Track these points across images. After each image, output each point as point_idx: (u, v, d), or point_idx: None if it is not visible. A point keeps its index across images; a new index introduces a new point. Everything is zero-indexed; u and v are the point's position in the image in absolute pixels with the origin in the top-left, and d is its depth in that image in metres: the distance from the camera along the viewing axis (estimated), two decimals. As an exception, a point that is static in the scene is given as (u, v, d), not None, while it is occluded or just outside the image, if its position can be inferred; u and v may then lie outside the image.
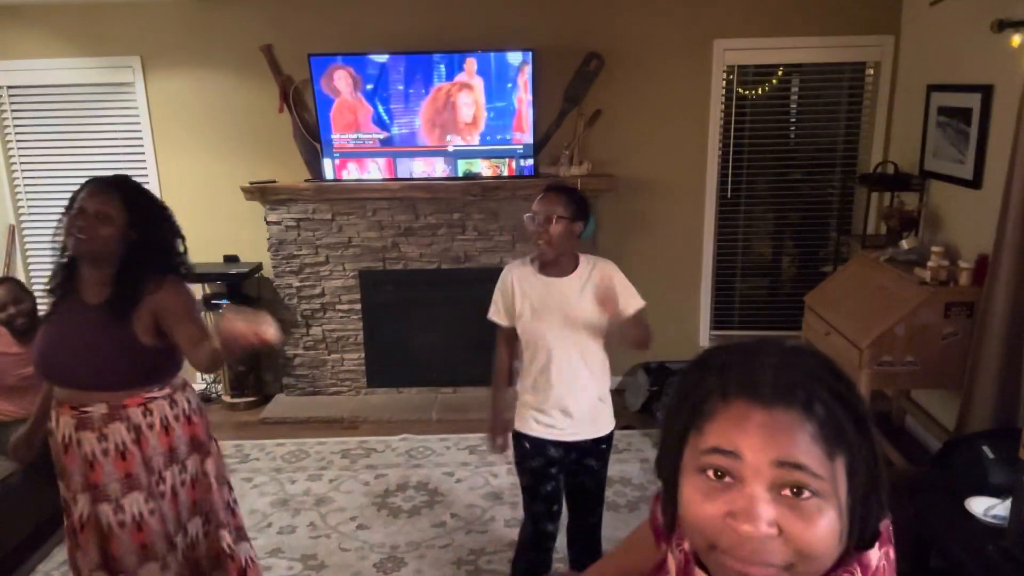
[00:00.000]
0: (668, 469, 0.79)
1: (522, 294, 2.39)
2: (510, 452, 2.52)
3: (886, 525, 0.79)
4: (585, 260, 2.41)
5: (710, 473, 0.73)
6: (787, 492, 0.70)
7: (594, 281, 2.34)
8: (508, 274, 2.44)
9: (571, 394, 2.38)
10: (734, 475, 0.71)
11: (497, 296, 2.46)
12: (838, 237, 4.49)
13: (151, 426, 2.13)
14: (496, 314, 2.47)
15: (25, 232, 4.70)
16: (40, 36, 4.36)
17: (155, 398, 2.16)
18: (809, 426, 0.70)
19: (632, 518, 3.37)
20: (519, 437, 2.46)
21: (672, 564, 0.90)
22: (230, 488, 2.37)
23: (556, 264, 2.37)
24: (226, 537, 2.25)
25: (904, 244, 3.71)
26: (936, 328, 3.26)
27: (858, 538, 0.75)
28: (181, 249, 2.26)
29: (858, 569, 0.75)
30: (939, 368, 3.30)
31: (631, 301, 2.37)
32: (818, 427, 0.70)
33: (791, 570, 0.70)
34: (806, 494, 0.69)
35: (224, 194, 4.52)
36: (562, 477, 2.48)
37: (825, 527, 0.70)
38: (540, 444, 2.41)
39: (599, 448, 2.47)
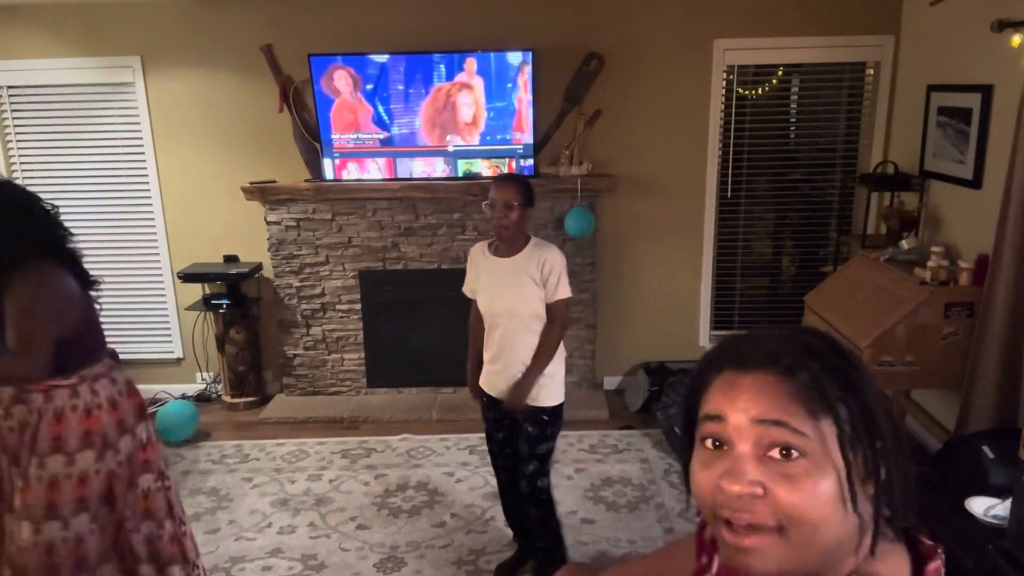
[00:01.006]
0: (686, 452, 0.81)
1: (475, 272, 2.78)
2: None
3: (936, 568, 0.77)
4: (533, 244, 2.69)
5: (708, 443, 0.76)
6: (775, 454, 0.71)
7: (534, 263, 2.62)
8: (470, 255, 2.83)
9: (509, 362, 2.68)
10: (725, 440, 0.74)
11: (467, 274, 2.85)
12: (838, 237, 4.49)
13: (46, 413, 2.16)
14: (465, 288, 2.85)
15: (25, 232, 4.69)
16: (40, 36, 4.36)
17: (57, 387, 2.16)
18: (790, 386, 0.72)
19: (632, 518, 3.37)
20: (481, 392, 2.85)
21: (716, 564, 0.91)
22: (164, 478, 2.39)
23: (506, 246, 2.67)
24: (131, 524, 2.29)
25: (904, 244, 3.71)
26: (936, 328, 3.26)
27: (875, 526, 0.73)
28: (41, 227, 2.17)
29: None
30: (939, 368, 3.30)
31: (559, 290, 2.64)
32: (800, 388, 0.71)
33: (784, 535, 0.70)
34: (795, 455, 0.70)
35: (224, 194, 4.53)
36: (513, 430, 2.80)
37: (813, 491, 0.69)
38: (492, 400, 2.79)
39: (539, 416, 2.71)
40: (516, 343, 2.66)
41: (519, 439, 2.76)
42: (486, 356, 2.78)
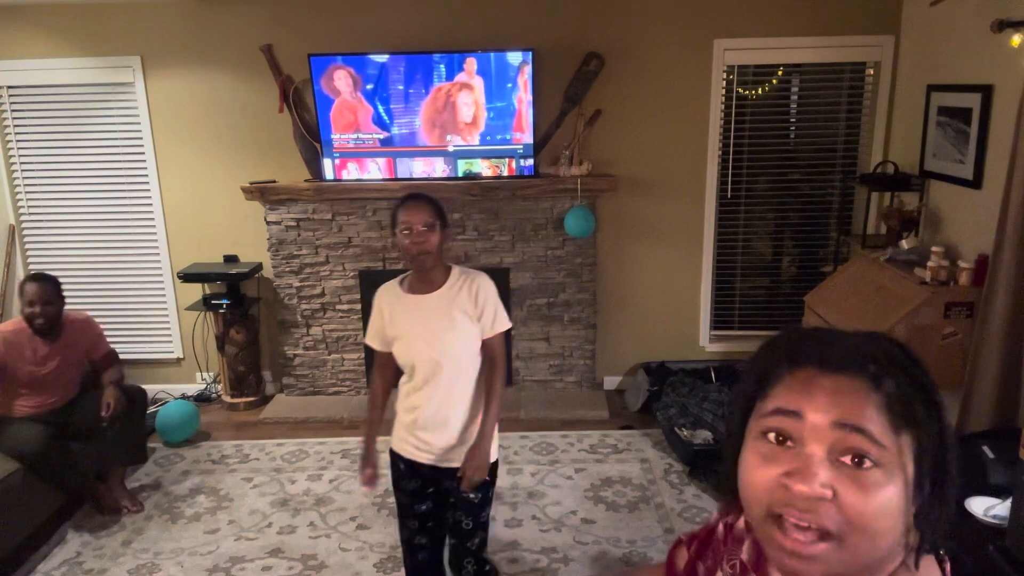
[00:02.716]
0: (733, 442, 0.79)
1: (391, 317, 2.29)
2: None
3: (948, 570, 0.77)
4: (457, 273, 2.29)
5: (771, 437, 0.73)
6: (847, 460, 0.69)
7: (465, 295, 2.25)
8: (378, 298, 2.34)
9: (441, 416, 2.27)
10: (794, 437, 0.71)
11: (371, 320, 2.35)
12: (838, 237, 4.49)
13: None
14: (370, 339, 2.36)
15: (25, 232, 4.70)
16: (40, 36, 4.36)
17: None
18: (876, 396, 0.70)
19: (632, 518, 3.37)
20: (394, 457, 2.38)
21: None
22: None
23: (426, 280, 2.26)
24: None
25: (904, 244, 3.71)
26: (936, 328, 3.26)
27: (927, 536, 0.72)
28: None
29: None
30: (939, 368, 3.29)
31: (497, 323, 2.27)
32: (885, 399, 0.70)
33: (842, 543, 0.69)
34: (867, 464, 0.68)
35: (224, 194, 4.53)
36: (438, 498, 2.39)
37: (882, 501, 0.68)
38: (413, 465, 2.33)
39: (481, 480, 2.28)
40: (458, 395, 2.26)
41: (457, 510, 2.33)
42: (411, 417, 2.30)
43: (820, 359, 0.73)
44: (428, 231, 2.18)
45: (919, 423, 0.70)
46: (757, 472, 0.73)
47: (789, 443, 0.72)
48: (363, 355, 4.65)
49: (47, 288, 3.37)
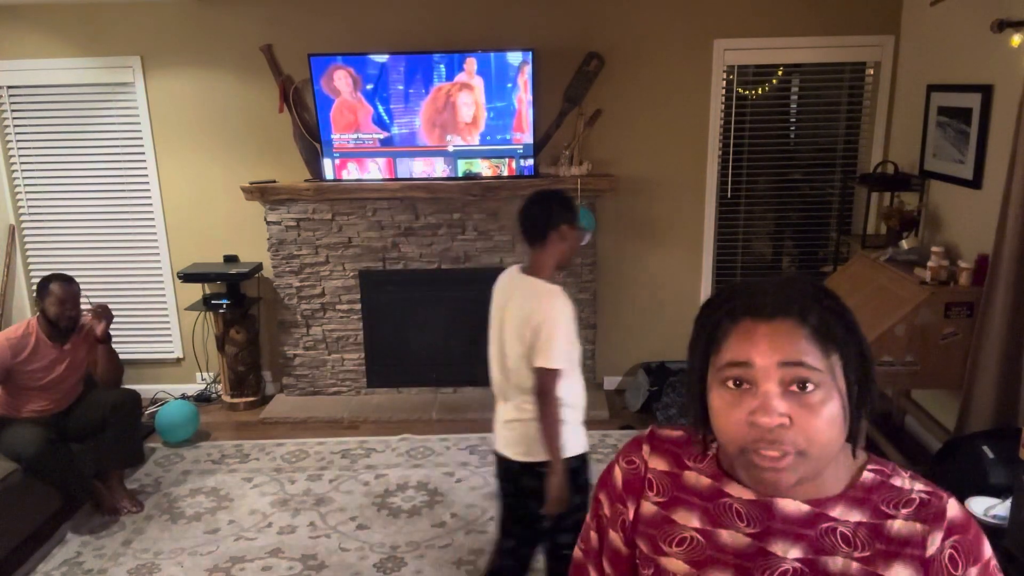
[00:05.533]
0: (696, 391, 0.93)
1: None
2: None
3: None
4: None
5: (730, 384, 0.86)
6: (794, 388, 0.83)
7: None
8: (565, 302, 2.22)
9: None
10: (749, 381, 0.85)
11: (570, 333, 2.23)
12: (838, 237, 4.49)
13: None
14: (563, 357, 2.25)
15: (25, 232, 4.70)
16: (40, 36, 4.36)
17: None
18: (804, 330, 0.84)
19: (632, 518, 3.37)
20: (578, 459, 2.48)
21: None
22: None
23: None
24: None
25: (904, 244, 3.71)
26: (936, 328, 3.25)
27: (856, 417, 0.88)
28: None
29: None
30: (939, 368, 3.29)
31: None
32: (812, 331, 0.84)
33: (804, 456, 0.83)
34: (810, 387, 0.83)
35: (224, 194, 4.53)
36: None
37: (828, 414, 0.83)
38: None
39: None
40: None
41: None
42: (577, 408, 2.53)
43: (754, 310, 0.86)
44: None
45: (841, 343, 0.85)
46: (727, 415, 0.86)
47: (746, 385, 0.85)
48: (363, 355, 4.65)
49: (75, 288, 3.45)
